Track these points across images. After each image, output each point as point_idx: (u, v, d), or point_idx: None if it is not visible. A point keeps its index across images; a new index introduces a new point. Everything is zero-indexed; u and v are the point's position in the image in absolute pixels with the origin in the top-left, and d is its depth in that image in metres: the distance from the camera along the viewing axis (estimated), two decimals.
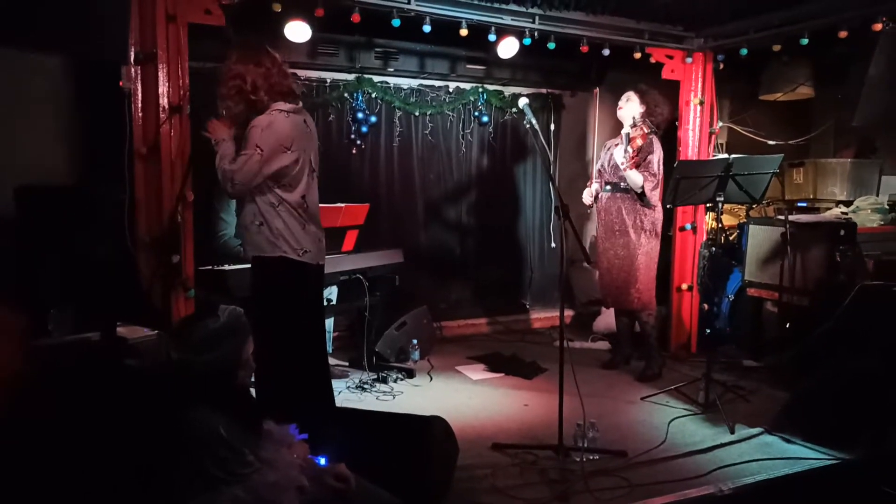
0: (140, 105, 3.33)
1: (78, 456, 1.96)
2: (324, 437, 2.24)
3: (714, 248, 4.68)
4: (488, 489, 2.91)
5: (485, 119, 5.83)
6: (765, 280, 4.59)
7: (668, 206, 4.29)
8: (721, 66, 4.93)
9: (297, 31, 4.18)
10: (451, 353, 5.11)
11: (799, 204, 5.61)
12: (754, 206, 5.07)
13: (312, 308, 3.02)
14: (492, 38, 4.31)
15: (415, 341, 4.83)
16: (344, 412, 3.31)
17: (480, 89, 5.76)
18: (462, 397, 4.15)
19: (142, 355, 2.67)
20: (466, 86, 5.73)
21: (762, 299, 4.71)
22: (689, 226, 4.98)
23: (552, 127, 6.12)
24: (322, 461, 2.13)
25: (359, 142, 5.38)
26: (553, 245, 6.27)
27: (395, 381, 4.40)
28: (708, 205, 4.66)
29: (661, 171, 4.30)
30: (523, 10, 4.34)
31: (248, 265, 3.04)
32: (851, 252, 4.19)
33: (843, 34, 4.13)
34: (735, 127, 5.50)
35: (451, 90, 5.69)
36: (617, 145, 4.38)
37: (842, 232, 4.27)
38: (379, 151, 5.51)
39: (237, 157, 2.78)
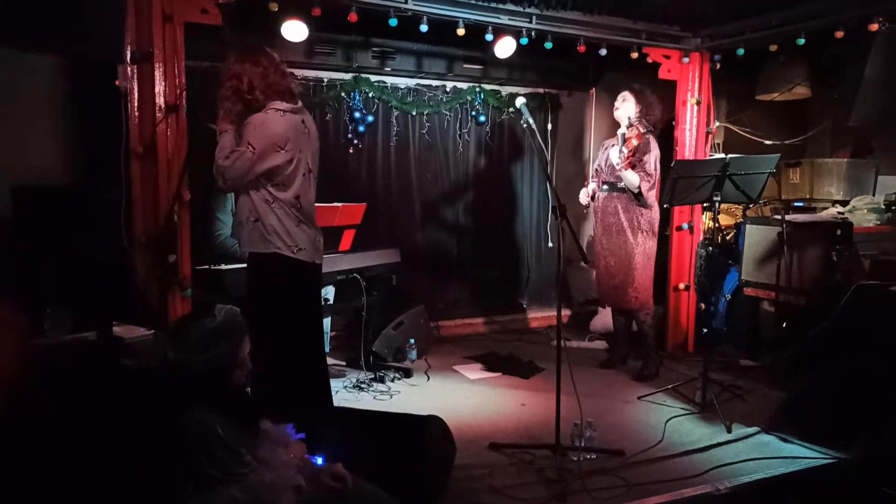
0: (136, 104, 3.31)
1: (75, 456, 1.95)
2: (321, 437, 2.24)
3: (711, 248, 4.68)
4: (486, 489, 2.91)
5: (482, 119, 5.83)
6: (761, 280, 4.60)
7: (665, 206, 4.29)
8: (718, 65, 4.93)
9: (294, 31, 4.17)
10: (448, 353, 5.11)
11: (795, 204, 5.63)
12: (751, 205, 5.08)
13: (309, 306, 3.02)
14: (489, 37, 4.31)
15: (412, 341, 4.82)
16: (341, 412, 3.31)
17: (477, 89, 5.77)
18: (459, 397, 4.15)
19: (138, 355, 2.67)
20: (463, 85, 5.74)
21: (759, 299, 4.72)
22: (685, 225, 4.99)
23: (549, 126, 6.13)
24: (319, 461, 2.13)
25: (356, 141, 5.38)
26: (550, 245, 6.27)
27: (392, 380, 4.40)
28: (705, 204, 4.67)
29: (658, 171, 4.31)
30: (520, 9, 4.33)
31: (245, 265, 3.04)
32: (848, 252, 4.19)
33: (839, 34, 4.13)
34: (732, 127, 5.50)
35: (448, 90, 5.69)
36: (614, 145, 4.38)
37: (838, 232, 4.28)
38: (376, 151, 5.51)
39: (231, 153, 2.78)
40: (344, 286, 4.33)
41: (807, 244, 4.34)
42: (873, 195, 5.40)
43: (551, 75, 5.96)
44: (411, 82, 5.54)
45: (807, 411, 3.51)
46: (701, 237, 5.02)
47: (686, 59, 4.87)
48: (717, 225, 3.97)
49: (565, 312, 6.10)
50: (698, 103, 4.93)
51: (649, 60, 4.81)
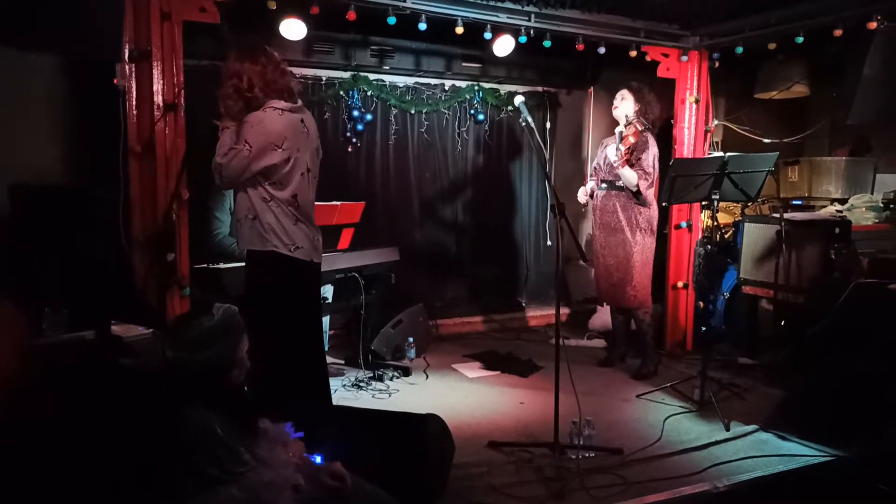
0: (134, 103, 3.31)
1: (74, 455, 1.96)
2: (320, 436, 2.24)
3: (709, 246, 4.67)
4: (484, 487, 2.91)
5: (480, 117, 5.83)
6: (760, 278, 4.60)
7: (663, 204, 4.30)
8: (716, 64, 4.93)
9: (293, 29, 4.17)
10: (447, 352, 5.11)
11: (794, 202, 5.62)
12: (749, 204, 5.08)
13: (306, 305, 3.02)
14: (488, 35, 4.31)
15: (411, 339, 4.82)
16: (340, 410, 3.31)
17: (476, 87, 5.76)
18: (458, 395, 4.15)
19: (137, 354, 2.67)
20: (462, 84, 5.73)
21: (757, 297, 4.72)
22: (684, 224, 4.99)
23: (548, 125, 6.13)
24: (318, 459, 2.13)
25: (354, 140, 5.38)
26: (549, 243, 6.27)
27: (391, 379, 4.40)
28: (703, 203, 4.68)
29: (657, 169, 4.31)
30: (519, 7, 4.33)
31: (243, 263, 3.04)
32: (846, 250, 4.20)
33: (838, 33, 4.14)
34: (731, 125, 5.51)
35: (446, 88, 5.69)
36: (612, 143, 4.38)
37: (837, 230, 4.28)
38: (375, 149, 5.51)
39: (228, 151, 2.78)
40: (343, 285, 4.33)
41: (805, 242, 4.34)
42: (871, 193, 5.40)
43: (550, 74, 5.96)
44: (410, 81, 5.54)
45: (805, 409, 3.52)
46: (700, 235, 5.02)
47: (685, 58, 4.87)
48: (715, 223, 3.97)
49: (564, 311, 6.10)
50: (697, 101, 4.93)
51: (648, 59, 4.81)
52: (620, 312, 4.70)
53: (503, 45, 4.57)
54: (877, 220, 5.00)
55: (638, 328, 4.57)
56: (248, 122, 2.80)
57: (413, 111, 5.58)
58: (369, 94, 5.37)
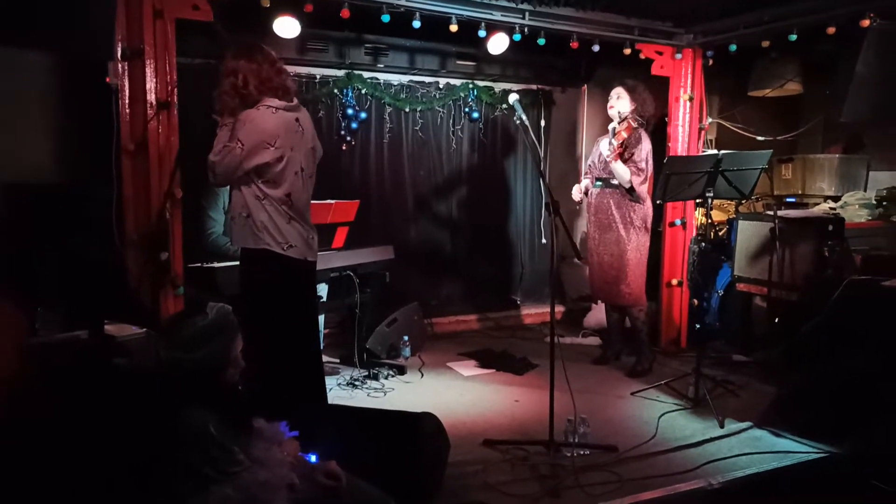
0: (127, 101, 3.30)
1: (67, 455, 1.95)
2: (315, 435, 2.23)
3: (703, 244, 4.69)
4: (479, 485, 2.91)
5: (475, 115, 5.83)
6: (754, 275, 4.61)
7: (658, 202, 4.30)
8: (710, 62, 4.94)
9: (286, 27, 4.15)
10: (441, 350, 5.11)
11: (787, 199, 5.65)
12: (743, 201, 5.09)
13: (301, 303, 3.01)
14: (482, 33, 4.30)
15: (406, 338, 4.82)
16: (335, 409, 3.30)
17: (471, 85, 5.76)
18: (453, 394, 4.15)
19: (130, 353, 2.65)
20: (457, 82, 5.73)
21: (751, 294, 4.74)
22: (678, 221, 5.00)
23: (542, 123, 6.13)
24: (313, 458, 2.13)
25: (349, 138, 5.37)
26: (544, 241, 6.28)
27: (385, 377, 4.40)
28: (697, 200, 4.68)
29: (651, 166, 4.31)
30: (513, 5, 4.33)
31: (237, 262, 3.03)
32: (839, 247, 4.21)
33: (831, 30, 4.15)
34: (724, 123, 5.51)
35: (441, 86, 5.69)
36: (606, 140, 4.39)
37: (830, 227, 4.30)
38: (369, 148, 5.50)
39: (222, 149, 2.78)
40: (337, 283, 4.32)
41: (799, 240, 4.36)
42: (865, 191, 5.43)
43: (544, 71, 5.97)
44: (404, 79, 5.53)
45: (799, 406, 3.53)
46: (694, 233, 5.03)
47: (679, 56, 4.88)
48: (709, 221, 3.99)
49: (559, 309, 6.10)
50: (691, 99, 4.93)
51: (642, 56, 4.82)
52: (615, 310, 4.71)
53: (497, 43, 4.57)
54: (870, 218, 5.02)
55: (632, 326, 4.58)
56: (240, 120, 2.80)
57: (407, 109, 5.57)
58: (363, 92, 5.36)
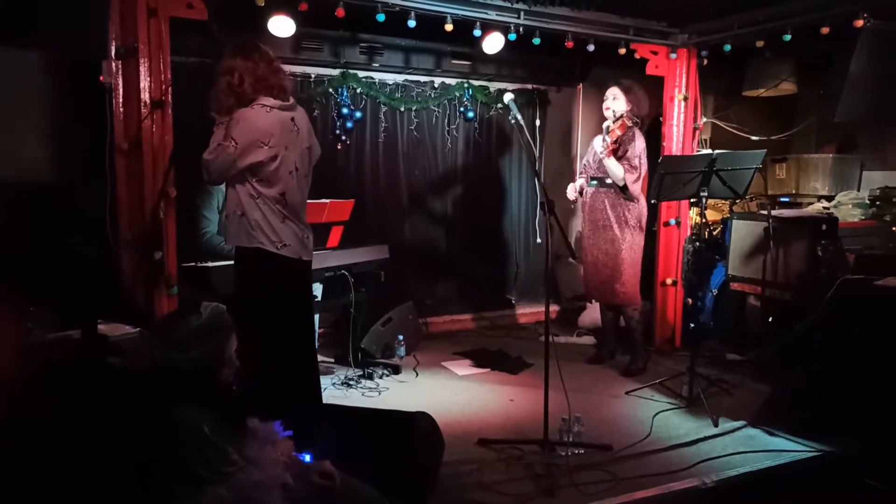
0: (121, 100, 3.28)
1: (60, 456, 1.94)
2: (309, 434, 2.23)
3: (698, 243, 4.69)
4: (474, 484, 2.91)
5: (470, 114, 5.83)
6: (748, 275, 4.63)
7: (652, 202, 4.31)
8: (705, 61, 4.95)
9: (281, 26, 4.14)
10: (436, 349, 5.11)
11: (781, 199, 5.66)
12: (738, 201, 5.11)
13: (295, 302, 3.01)
14: (477, 33, 4.31)
15: (400, 337, 4.82)
16: (329, 409, 3.30)
17: (466, 85, 5.76)
18: (448, 393, 4.15)
19: (124, 353, 2.64)
20: (452, 81, 5.73)
21: (745, 294, 4.75)
22: (673, 221, 5.01)
23: (537, 122, 6.13)
24: (307, 458, 2.12)
25: (344, 137, 5.36)
26: (538, 240, 6.28)
27: (380, 377, 4.40)
28: (692, 200, 4.69)
29: (645, 165, 4.32)
30: (508, 5, 4.33)
31: (231, 262, 3.03)
32: (833, 247, 4.22)
33: (825, 31, 4.16)
34: (719, 122, 5.53)
35: (436, 85, 5.68)
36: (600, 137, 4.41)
37: (823, 227, 4.31)
38: (364, 147, 5.49)
39: (216, 148, 2.78)
40: (332, 283, 4.32)
41: (793, 239, 4.37)
42: (858, 190, 5.45)
43: (539, 71, 5.97)
44: (399, 78, 5.52)
45: (793, 405, 3.54)
46: (688, 232, 5.04)
47: (673, 55, 4.89)
48: (703, 220, 3.99)
49: (553, 308, 6.11)
50: (685, 99, 4.94)
51: (637, 56, 4.82)
52: (610, 309, 4.72)
53: (492, 43, 4.57)
54: (863, 217, 5.03)
55: (627, 325, 4.59)
56: (234, 118, 2.80)
57: (402, 108, 5.57)
58: (359, 91, 5.35)
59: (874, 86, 4.24)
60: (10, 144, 3.56)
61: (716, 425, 3.58)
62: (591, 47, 4.62)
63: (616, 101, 4.35)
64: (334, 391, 4.11)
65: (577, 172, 4.76)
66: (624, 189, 4.30)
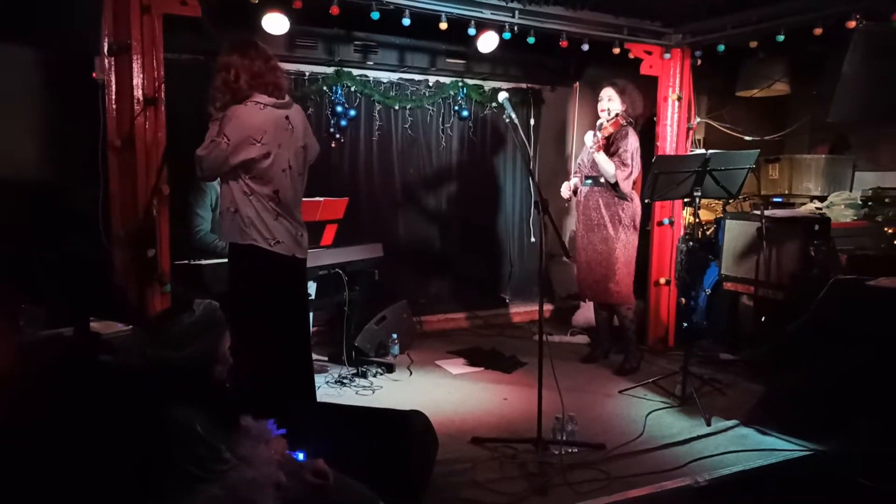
0: (114, 97, 3.27)
1: (52, 454, 1.93)
2: (303, 433, 2.22)
3: (691, 243, 4.71)
4: (468, 483, 2.92)
5: (465, 113, 5.83)
6: (741, 274, 4.64)
7: (646, 201, 4.32)
8: (699, 62, 4.96)
9: (275, 24, 4.13)
10: (430, 348, 5.10)
11: (774, 199, 5.68)
12: (731, 201, 5.12)
13: (288, 300, 3.00)
14: (471, 32, 4.30)
15: (394, 336, 4.82)
16: (323, 407, 3.29)
17: (460, 83, 5.76)
18: (442, 392, 4.15)
19: (116, 351, 2.63)
20: (446, 80, 5.72)
21: (738, 293, 4.76)
22: (666, 220, 5.02)
23: (532, 122, 6.14)
24: (300, 456, 2.12)
25: (338, 135, 5.35)
26: (533, 239, 6.29)
27: (374, 375, 4.39)
28: (685, 200, 4.70)
29: (638, 163, 4.33)
30: (503, 4, 4.33)
31: (225, 260, 3.02)
32: (825, 247, 4.24)
33: (818, 31, 4.18)
34: (712, 123, 5.54)
35: (430, 84, 5.68)
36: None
37: (816, 227, 4.33)
38: (358, 145, 5.49)
39: (209, 144, 2.77)
40: (326, 281, 4.31)
41: (785, 239, 4.38)
42: (850, 191, 5.48)
43: (534, 70, 5.97)
44: (394, 76, 5.52)
45: (785, 404, 3.55)
46: (681, 232, 5.05)
47: (667, 55, 4.90)
48: (697, 220, 4.01)
49: (547, 307, 6.12)
50: (679, 99, 4.95)
51: (631, 56, 4.83)
52: (603, 309, 4.72)
53: (487, 42, 4.56)
54: (855, 217, 5.06)
55: (620, 324, 4.60)
56: (227, 115, 2.79)
57: (397, 107, 5.56)
58: (353, 89, 5.34)
59: (866, 87, 4.26)
60: (1, 142, 3.54)
61: (708, 424, 3.59)
62: (585, 47, 4.63)
63: (611, 102, 4.36)
64: (328, 389, 4.10)
65: (572, 172, 4.77)
66: (615, 186, 4.31)
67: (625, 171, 4.26)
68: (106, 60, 3.23)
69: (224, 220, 2.90)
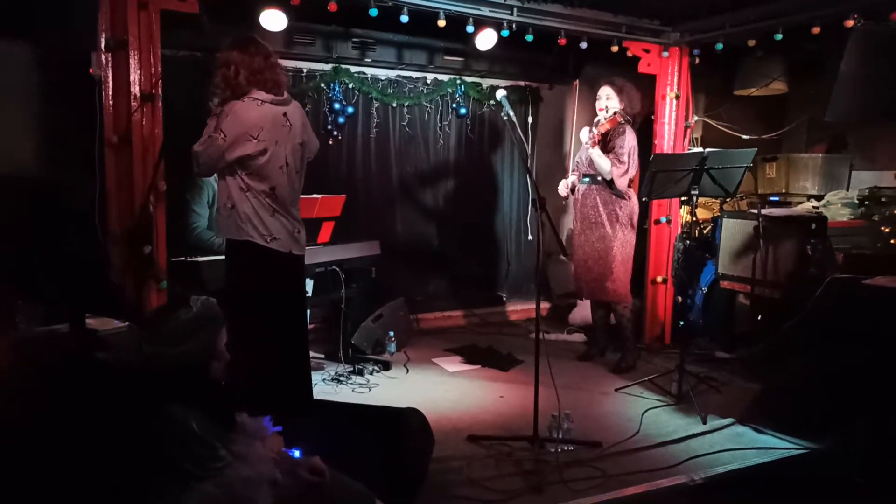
0: (111, 93, 3.26)
1: (47, 451, 1.93)
2: (299, 430, 2.22)
3: (688, 241, 4.72)
4: (464, 481, 2.92)
5: (462, 111, 5.82)
6: (737, 273, 4.65)
7: (643, 200, 4.32)
8: (697, 60, 4.96)
9: (273, 20, 4.12)
10: (427, 346, 5.11)
11: (771, 198, 5.69)
12: (728, 199, 5.12)
13: (284, 297, 3.00)
14: (470, 29, 4.29)
15: (391, 333, 4.81)
16: (319, 404, 3.29)
17: (458, 81, 5.75)
18: (438, 389, 4.15)
19: (112, 347, 2.63)
20: (444, 77, 5.72)
21: (735, 292, 4.77)
22: (664, 219, 5.02)
23: (530, 119, 6.13)
24: (296, 454, 2.12)
25: (335, 133, 5.34)
26: (530, 237, 6.29)
27: (371, 373, 4.39)
28: (683, 198, 4.71)
29: (635, 161, 4.33)
30: (501, 1, 4.32)
31: (222, 257, 3.02)
32: (822, 246, 4.25)
33: (816, 30, 4.18)
34: (710, 121, 5.55)
35: (428, 81, 5.67)
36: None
37: (813, 226, 4.33)
38: (356, 143, 5.48)
39: (206, 140, 2.78)
40: (323, 279, 4.31)
41: (782, 238, 4.39)
42: (847, 190, 5.48)
43: (532, 68, 5.96)
44: (392, 74, 5.51)
45: (781, 403, 3.56)
46: (679, 231, 5.06)
47: (665, 54, 4.90)
48: (694, 219, 4.01)
49: (544, 305, 6.12)
50: (677, 97, 4.95)
51: (629, 54, 4.83)
52: (600, 307, 4.72)
53: (485, 39, 4.56)
54: (852, 217, 5.06)
55: (617, 322, 4.60)
56: (224, 111, 2.80)
57: (395, 104, 5.55)
58: (351, 86, 5.33)
59: (864, 86, 4.26)
60: None
61: (704, 422, 3.60)
62: (583, 45, 4.62)
63: (609, 100, 4.36)
64: (324, 387, 4.10)
65: (570, 169, 4.77)
66: (610, 183, 4.31)
67: (621, 168, 4.26)
68: (103, 56, 3.22)
69: (221, 216, 2.91)
